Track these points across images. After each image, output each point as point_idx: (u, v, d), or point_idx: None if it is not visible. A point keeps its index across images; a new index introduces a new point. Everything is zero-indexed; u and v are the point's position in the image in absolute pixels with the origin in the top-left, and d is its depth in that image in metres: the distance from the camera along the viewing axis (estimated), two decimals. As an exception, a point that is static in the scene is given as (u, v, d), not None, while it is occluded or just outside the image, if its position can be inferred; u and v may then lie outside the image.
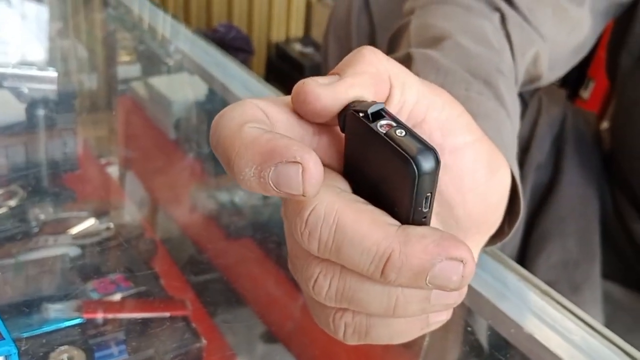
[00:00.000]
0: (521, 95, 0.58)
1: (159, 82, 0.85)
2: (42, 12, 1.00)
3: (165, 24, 0.91)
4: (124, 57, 0.93)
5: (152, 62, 0.90)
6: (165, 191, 0.74)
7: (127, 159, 0.77)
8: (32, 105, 0.63)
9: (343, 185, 0.23)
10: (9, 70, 0.64)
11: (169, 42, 0.87)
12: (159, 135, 0.80)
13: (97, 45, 0.97)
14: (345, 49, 0.69)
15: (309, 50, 1.56)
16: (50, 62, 0.83)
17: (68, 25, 1.02)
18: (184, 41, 0.86)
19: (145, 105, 0.84)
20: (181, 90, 0.83)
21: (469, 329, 0.43)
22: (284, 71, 1.58)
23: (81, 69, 0.90)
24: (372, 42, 0.64)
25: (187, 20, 1.45)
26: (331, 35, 0.70)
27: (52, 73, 0.65)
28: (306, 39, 1.62)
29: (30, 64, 0.70)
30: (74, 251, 0.56)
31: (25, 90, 0.64)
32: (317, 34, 1.61)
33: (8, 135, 0.65)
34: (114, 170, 0.75)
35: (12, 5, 0.99)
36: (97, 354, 0.41)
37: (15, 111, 0.65)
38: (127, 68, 0.91)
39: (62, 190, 0.66)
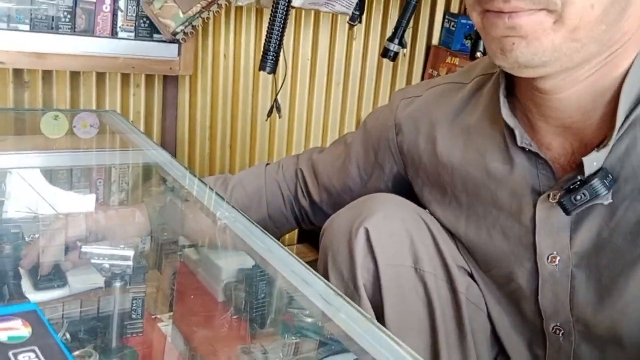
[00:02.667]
0: None
1: (211, 250, 0.97)
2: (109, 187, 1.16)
3: (209, 201, 1.06)
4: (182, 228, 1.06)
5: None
6: (214, 351, 0.83)
7: (181, 320, 0.87)
8: (110, 277, 0.76)
9: None
10: (94, 249, 0.78)
11: (220, 212, 1.01)
12: (209, 298, 0.91)
13: (155, 215, 1.11)
14: (350, 286, 0.73)
15: (338, 212, 1.72)
16: (117, 233, 0.97)
17: (130, 197, 1.18)
18: (228, 217, 1.00)
19: (199, 271, 0.95)
20: (229, 259, 0.95)
21: None
22: (314, 230, 1.73)
23: (143, 237, 1.04)
24: (378, 280, 0.71)
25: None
26: (332, 270, 0.74)
27: (129, 252, 0.78)
28: (336, 203, 1.79)
29: (108, 243, 0.84)
30: (140, 408, 0.65)
31: (107, 265, 0.77)
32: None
33: (86, 300, 0.77)
34: (169, 330, 0.85)
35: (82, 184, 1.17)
36: None
37: (95, 281, 0.78)
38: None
39: (128, 350, 0.76)
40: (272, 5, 1.21)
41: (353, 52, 1.67)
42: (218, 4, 1.23)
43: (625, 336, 0.63)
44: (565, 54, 0.56)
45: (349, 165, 0.89)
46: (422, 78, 1.79)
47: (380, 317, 0.71)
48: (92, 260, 0.77)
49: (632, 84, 0.59)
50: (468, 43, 1.65)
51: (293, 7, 1.26)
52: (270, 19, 1.23)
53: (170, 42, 1.28)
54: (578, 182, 0.60)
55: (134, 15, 1.26)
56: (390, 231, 0.72)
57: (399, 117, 0.81)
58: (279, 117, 1.38)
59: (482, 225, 0.71)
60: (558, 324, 0.68)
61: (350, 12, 1.33)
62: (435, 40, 1.77)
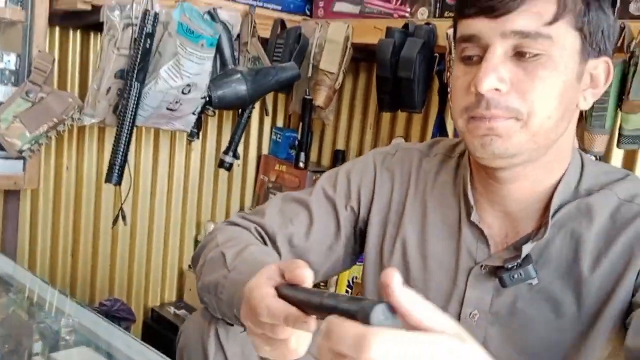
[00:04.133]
0: None
1: (59, 355, 1.01)
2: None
3: (59, 302, 1.10)
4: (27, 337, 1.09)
5: (52, 338, 1.06)
6: None
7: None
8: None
9: None
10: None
11: (65, 318, 1.05)
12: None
13: None
14: None
15: (181, 312, 1.80)
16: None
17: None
18: (78, 317, 1.05)
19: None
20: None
21: None
22: (160, 332, 1.78)
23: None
24: None
25: (72, 297, 1.65)
26: None
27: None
28: (179, 303, 1.88)
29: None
30: None
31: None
32: (189, 297, 1.87)
33: None
34: None
35: None
36: None
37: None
38: (34, 344, 1.06)
39: None
40: (118, 125, 1.35)
41: (191, 162, 1.83)
42: (64, 123, 1.34)
43: None
44: (527, 150, 0.73)
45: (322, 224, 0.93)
46: (255, 183, 1.99)
47: None
48: None
49: (561, 191, 0.77)
50: (293, 152, 1.89)
51: (137, 126, 1.40)
52: (116, 136, 1.36)
53: (16, 158, 1.34)
54: (516, 265, 0.76)
55: (-22, 133, 1.32)
56: (238, 330, 0.83)
57: (378, 167, 0.93)
58: (124, 224, 1.48)
59: (420, 277, 0.86)
60: None
61: (188, 130, 1.50)
62: (265, 150, 2.00)
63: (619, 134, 1.09)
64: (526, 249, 0.76)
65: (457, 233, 0.84)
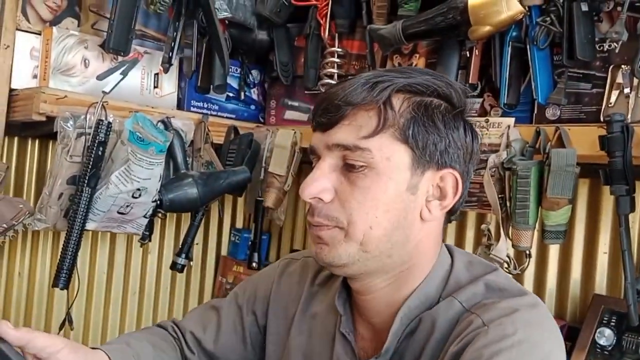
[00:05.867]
0: None
1: None
2: None
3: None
4: None
5: None
6: None
7: None
8: None
9: None
10: None
11: None
12: None
13: None
14: None
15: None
16: None
17: None
18: None
19: None
20: None
21: None
22: None
23: None
24: None
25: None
26: None
27: None
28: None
29: None
30: None
31: None
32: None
33: None
34: None
35: None
36: None
37: None
38: None
39: None
40: (67, 229, 1.38)
41: (148, 264, 1.85)
42: (15, 229, 1.36)
43: None
44: (358, 260, 0.74)
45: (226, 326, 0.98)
46: (214, 285, 2.00)
47: None
48: None
49: (412, 303, 0.77)
50: (252, 253, 1.92)
51: (87, 230, 1.43)
52: (64, 240, 1.38)
53: (-37, 264, 1.36)
54: None
55: None
56: None
57: (278, 273, 0.97)
58: (71, 329, 1.47)
59: None
60: None
61: (140, 233, 1.53)
62: (224, 251, 2.02)
63: (543, 230, 1.14)
64: None
65: (331, 342, 0.85)
